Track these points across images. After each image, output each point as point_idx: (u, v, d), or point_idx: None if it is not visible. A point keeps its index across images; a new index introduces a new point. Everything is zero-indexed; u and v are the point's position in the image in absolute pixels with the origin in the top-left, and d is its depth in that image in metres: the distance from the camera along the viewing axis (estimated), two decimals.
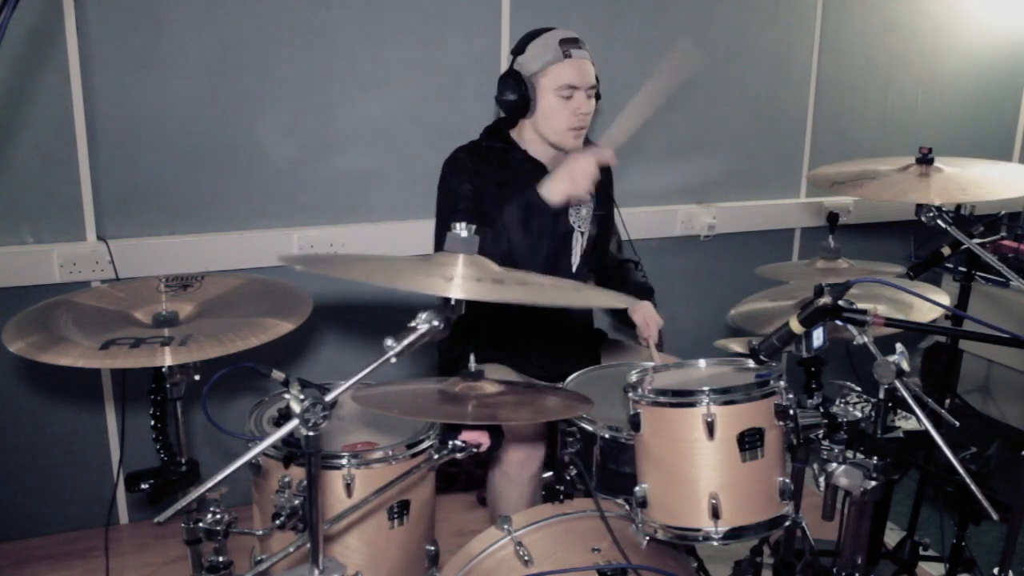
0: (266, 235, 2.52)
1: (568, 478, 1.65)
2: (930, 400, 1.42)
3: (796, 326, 1.38)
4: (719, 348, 1.98)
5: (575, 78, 1.93)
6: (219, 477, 1.07)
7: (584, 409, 1.55)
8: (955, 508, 1.96)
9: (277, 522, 1.19)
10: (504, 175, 1.99)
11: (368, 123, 2.60)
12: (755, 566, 1.97)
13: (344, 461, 1.50)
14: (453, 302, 1.13)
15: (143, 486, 1.38)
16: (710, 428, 1.41)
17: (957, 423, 1.50)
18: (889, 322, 1.36)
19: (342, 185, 2.61)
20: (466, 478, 2.51)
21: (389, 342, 1.13)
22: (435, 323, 1.13)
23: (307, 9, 2.45)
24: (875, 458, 1.41)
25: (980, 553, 2.05)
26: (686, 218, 3.08)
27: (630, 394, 1.50)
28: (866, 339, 1.37)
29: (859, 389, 1.58)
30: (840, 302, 1.35)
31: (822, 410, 1.54)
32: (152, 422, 1.39)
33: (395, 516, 1.54)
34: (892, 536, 2.28)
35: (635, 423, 1.48)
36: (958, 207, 1.83)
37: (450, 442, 1.56)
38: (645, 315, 2.13)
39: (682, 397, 1.44)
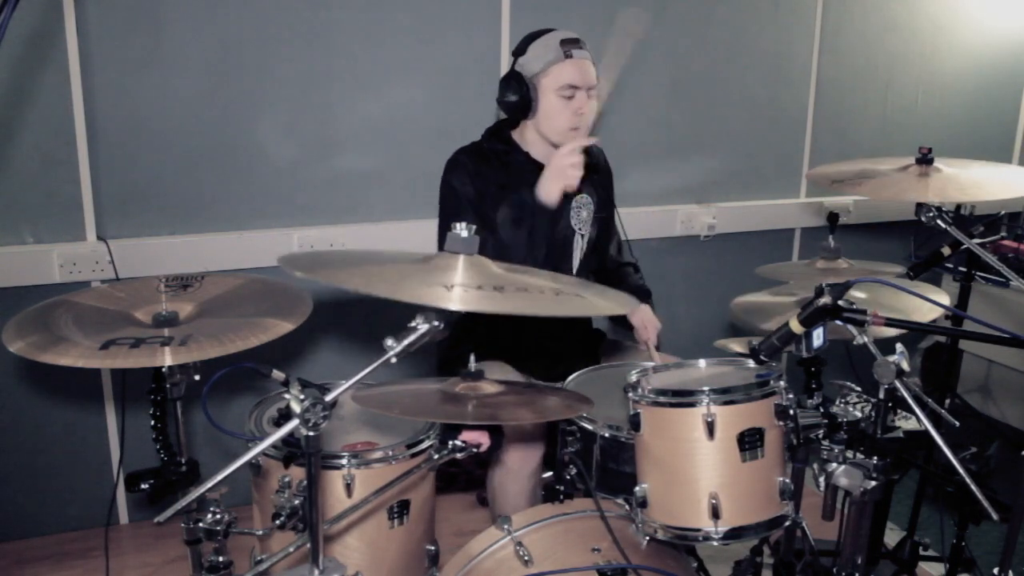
0: (266, 235, 2.52)
1: (568, 478, 1.65)
2: (930, 400, 1.42)
3: (796, 326, 1.38)
4: (719, 348, 1.99)
5: (576, 78, 1.93)
6: (219, 477, 1.08)
7: (584, 409, 1.55)
8: (955, 508, 1.96)
9: (277, 522, 1.19)
10: (505, 177, 1.99)
11: (368, 123, 2.60)
12: (755, 566, 1.97)
13: (344, 461, 1.50)
14: None
15: (143, 486, 1.38)
16: (710, 428, 1.41)
17: (957, 423, 1.50)
18: (889, 322, 1.37)
19: (342, 185, 2.60)
20: (466, 478, 2.52)
21: (389, 342, 1.13)
22: (435, 323, 1.14)
23: (307, 9, 2.45)
24: (875, 458, 1.41)
25: (980, 553, 2.05)
26: (686, 218, 3.08)
27: (630, 394, 1.50)
28: (866, 339, 1.37)
29: (859, 389, 1.58)
30: (840, 302, 1.35)
31: (822, 410, 1.54)
32: (152, 422, 1.39)
33: (395, 516, 1.54)
34: (892, 536, 2.28)
35: (635, 423, 1.48)
36: (958, 207, 1.83)
37: (450, 442, 1.55)
38: (643, 318, 2.13)
39: (682, 397, 1.44)
